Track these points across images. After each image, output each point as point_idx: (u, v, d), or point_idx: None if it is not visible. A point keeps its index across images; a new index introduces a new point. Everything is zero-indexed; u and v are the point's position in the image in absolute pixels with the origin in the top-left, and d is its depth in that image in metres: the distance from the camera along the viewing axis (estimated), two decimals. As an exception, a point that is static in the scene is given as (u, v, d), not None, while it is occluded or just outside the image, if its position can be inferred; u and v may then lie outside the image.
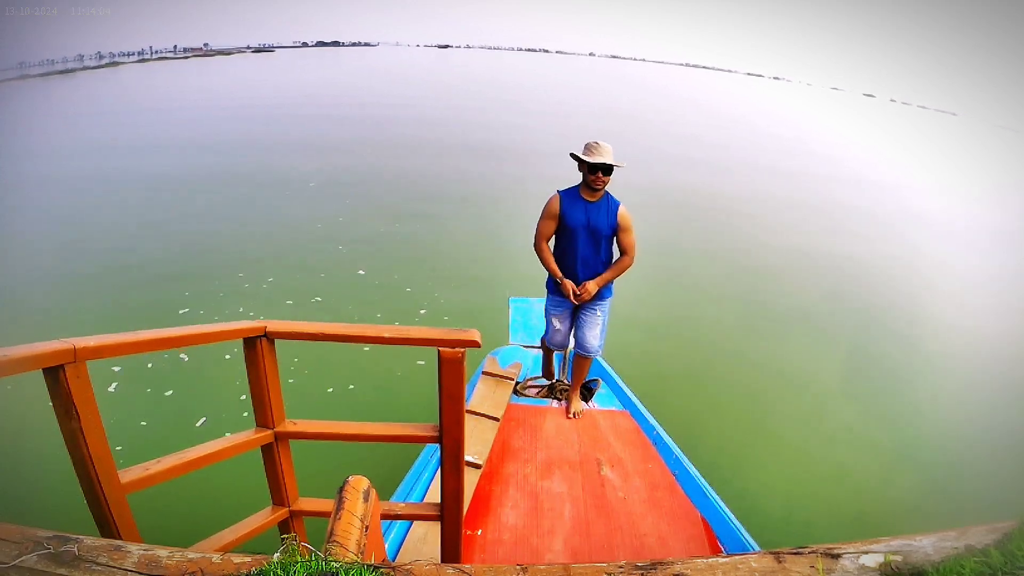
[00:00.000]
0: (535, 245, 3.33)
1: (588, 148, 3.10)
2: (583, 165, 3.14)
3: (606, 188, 3.21)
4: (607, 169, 3.08)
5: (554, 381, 3.91)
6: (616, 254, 3.35)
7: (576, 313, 3.49)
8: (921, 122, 71.74)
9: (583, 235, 3.19)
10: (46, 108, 23.46)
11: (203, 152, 14.20)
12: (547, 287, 3.50)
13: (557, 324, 3.53)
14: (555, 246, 3.33)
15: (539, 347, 4.34)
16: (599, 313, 3.43)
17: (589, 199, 3.18)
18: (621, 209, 3.19)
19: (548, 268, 3.37)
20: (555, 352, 3.83)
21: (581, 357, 3.53)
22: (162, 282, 6.88)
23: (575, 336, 3.52)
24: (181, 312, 6.08)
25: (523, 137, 19.28)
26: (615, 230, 3.21)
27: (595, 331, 3.44)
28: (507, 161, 15.21)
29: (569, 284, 3.31)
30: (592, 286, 3.22)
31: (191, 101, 25.85)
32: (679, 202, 12.17)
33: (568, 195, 3.23)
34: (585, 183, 3.16)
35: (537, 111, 29.12)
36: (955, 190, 19.29)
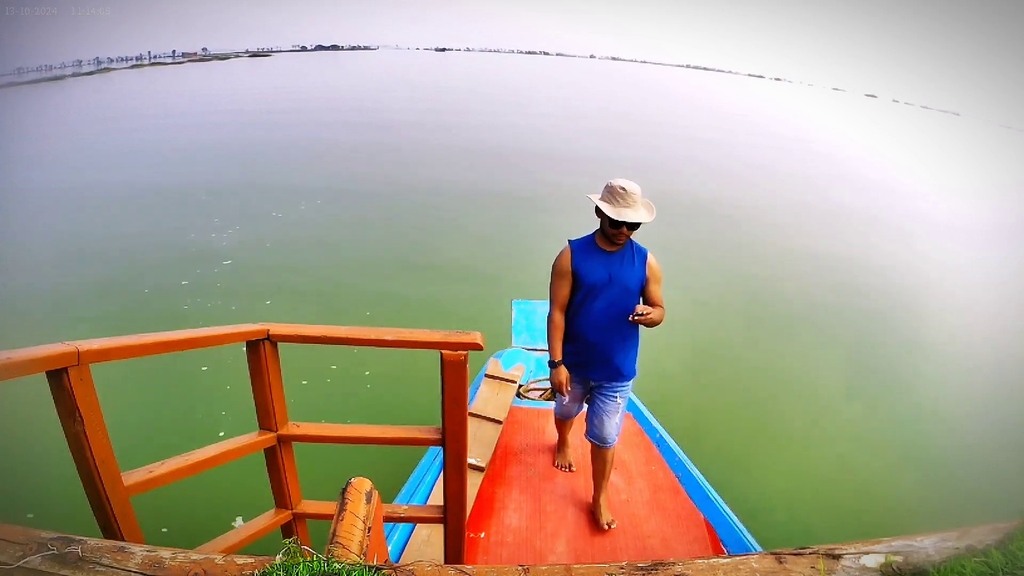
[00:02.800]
0: (548, 315, 2.71)
1: (611, 194, 2.46)
2: (602, 214, 2.48)
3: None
4: (633, 223, 2.46)
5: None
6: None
7: (593, 395, 2.80)
8: (924, 122, 71.56)
9: (607, 294, 2.56)
10: (25, 117, 23.18)
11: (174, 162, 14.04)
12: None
13: (567, 397, 2.81)
14: (572, 310, 2.65)
15: (542, 350, 4.34)
16: (619, 399, 2.74)
17: (609, 249, 2.56)
18: (650, 258, 2.60)
19: (549, 345, 2.70)
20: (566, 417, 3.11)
21: (597, 448, 2.82)
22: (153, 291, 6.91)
23: (589, 422, 2.82)
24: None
25: (526, 139, 19.30)
26: (644, 284, 2.59)
27: (614, 420, 2.75)
28: (510, 164, 15.22)
29: (564, 373, 2.67)
30: (656, 314, 2.42)
31: (173, 108, 25.55)
32: (681, 204, 12.16)
33: (582, 247, 2.61)
34: (603, 233, 2.54)
35: (541, 113, 29.15)
36: (958, 190, 19.24)
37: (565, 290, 2.62)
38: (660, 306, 2.56)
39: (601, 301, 2.58)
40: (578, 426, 3.19)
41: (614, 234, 2.49)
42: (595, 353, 2.65)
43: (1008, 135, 66.66)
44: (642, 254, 2.61)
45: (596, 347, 2.63)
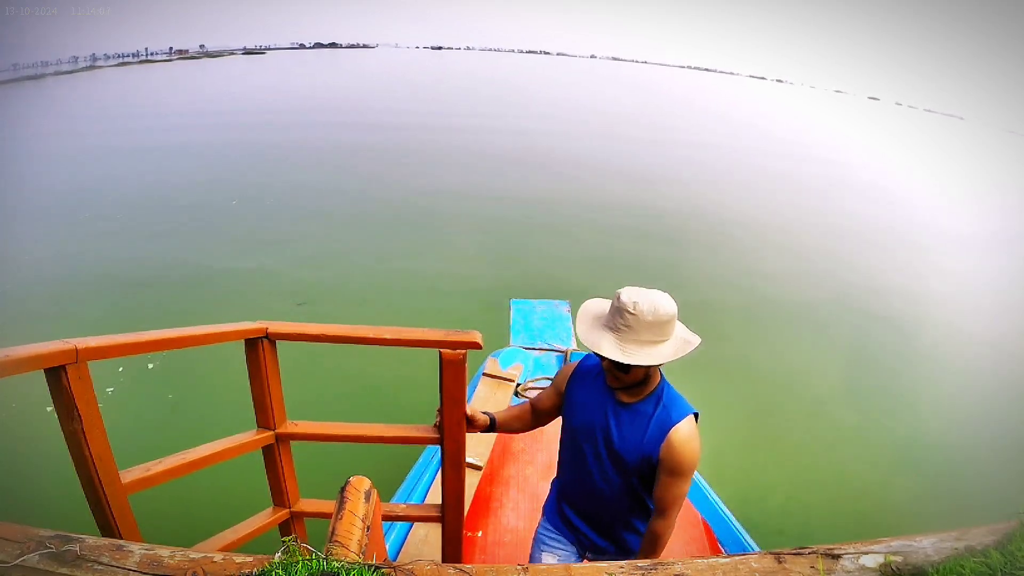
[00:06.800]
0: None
1: (613, 311, 1.56)
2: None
3: (654, 378, 1.64)
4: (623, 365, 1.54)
5: None
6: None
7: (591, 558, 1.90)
8: (927, 126, 71.56)
9: (598, 454, 1.69)
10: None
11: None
12: (544, 508, 2.01)
13: (551, 562, 1.88)
14: (563, 448, 1.86)
15: (540, 349, 4.34)
16: None
17: (620, 393, 1.65)
18: (675, 435, 1.56)
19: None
20: None
21: None
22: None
23: None
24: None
25: (527, 140, 19.31)
26: (654, 465, 1.60)
27: None
28: (509, 165, 15.22)
29: (479, 417, 1.86)
30: None
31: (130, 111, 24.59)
32: (681, 209, 12.18)
33: (589, 372, 1.76)
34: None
35: (542, 115, 29.19)
36: (961, 195, 19.28)
37: (548, 402, 1.88)
38: (667, 516, 1.62)
39: (591, 459, 1.71)
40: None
41: (606, 367, 1.62)
42: (583, 522, 1.84)
43: (1012, 140, 66.61)
44: (664, 423, 1.59)
45: (584, 515, 1.83)
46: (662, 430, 1.57)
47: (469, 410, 1.82)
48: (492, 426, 1.90)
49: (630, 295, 1.52)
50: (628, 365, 1.52)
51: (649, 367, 1.55)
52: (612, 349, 1.50)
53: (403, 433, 1.94)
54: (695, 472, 1.57)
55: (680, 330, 1.58)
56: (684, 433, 1.57)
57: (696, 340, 1.58)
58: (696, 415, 1.61)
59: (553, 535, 1.91)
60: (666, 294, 1.56)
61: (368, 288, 7.14)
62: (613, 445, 1.64)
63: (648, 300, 1.51)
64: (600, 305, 1.64)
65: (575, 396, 1.76)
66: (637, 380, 1.59)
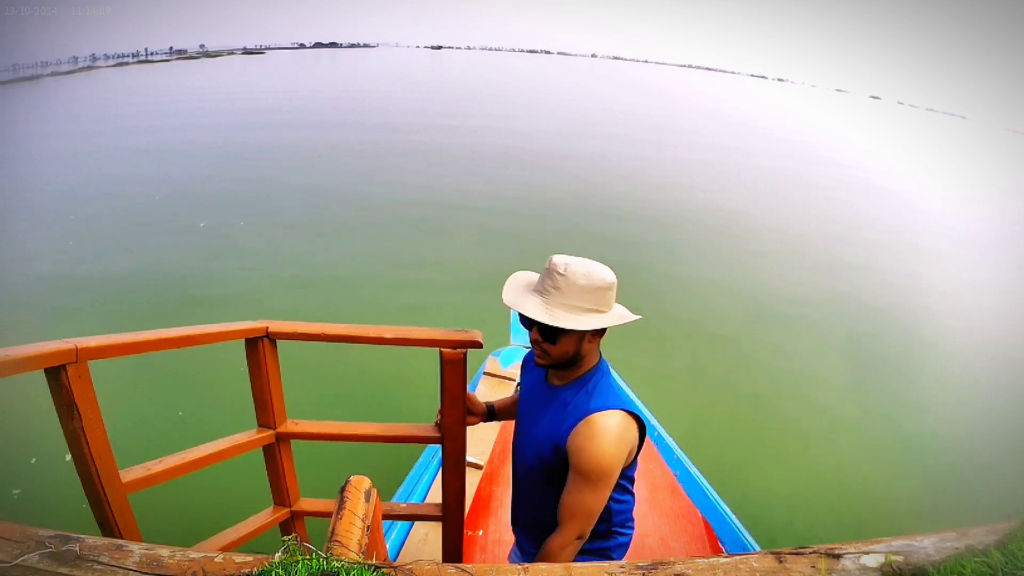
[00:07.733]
0: None
1: (543, 274, 1.41)
2: None
3: (587, 360, 1.45)
4: (549, 329, 1.36)
5: None
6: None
7: None
8: (929, 126, 71.36)
9: (519, 438, 1.60)
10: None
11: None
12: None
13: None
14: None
15: None
16: None
17: (552, 376, 1.51)
18: (585, 427, 1.35)
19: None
20: None
21: None
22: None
23: None
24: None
25: (527, 141, 19.31)
26: (563, 459, 1.40)
27: None
28: (511, 165, 15.21)
29: (478, 407, 1.83)
30: None
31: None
32: (679, 210, 12.18)
33: (532, 358, 1.60)
34: None
35: (542, 114, 29.17)
36: (963, 194, 19.26)
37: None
38: (563, 531, 1.41)
39: (516, 444, 1.61)
40: None
41: (532, 341, 1.44)
42: (528, 540, 1.65)
43: (1015, 139, 66.39)
44: (579, 411, 1.38)
45: (528, 530, 1.65)
46: (574, 418, 1.37)
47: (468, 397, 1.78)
48: (491, 413, 1.86)
49: (562, 258, 1.38)
50: (555, 335, 1.36)
51: (581, 344, 1.39)
52: (535, 309, 1.35)
53: (403, 432, 1.94)
54: (603, 481, 1.36)
55: (620, 308, 1.42)
56: (596, 426, 1.34)
57: (634, 317, 1.40)
58: (635, 415, 1.38)
59: (521, 559, 1.74)
60: (606, 266, 1.40)
61: (368, 288, 7.14)
62: (534, 435, 1.49)
63: (582, 263, 1.37)
64: (532, 276, 1.48)
65: (522, 387, 1.66)
66: (566, 357, 1.40)
